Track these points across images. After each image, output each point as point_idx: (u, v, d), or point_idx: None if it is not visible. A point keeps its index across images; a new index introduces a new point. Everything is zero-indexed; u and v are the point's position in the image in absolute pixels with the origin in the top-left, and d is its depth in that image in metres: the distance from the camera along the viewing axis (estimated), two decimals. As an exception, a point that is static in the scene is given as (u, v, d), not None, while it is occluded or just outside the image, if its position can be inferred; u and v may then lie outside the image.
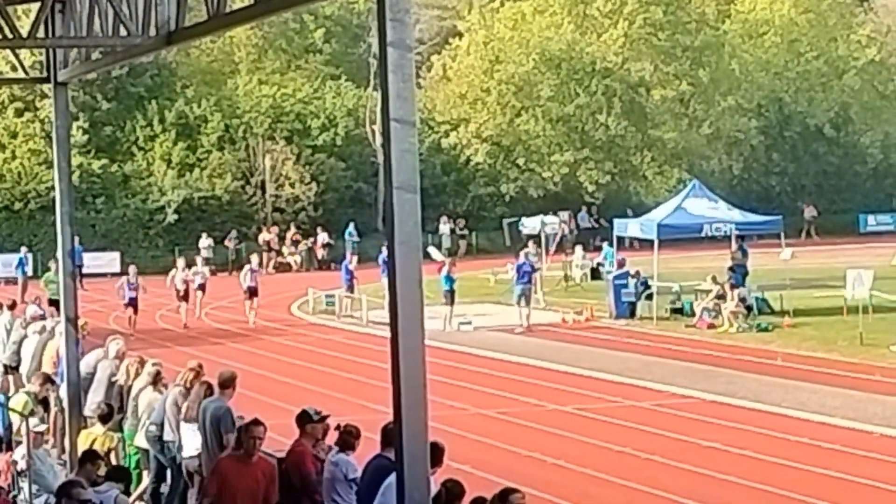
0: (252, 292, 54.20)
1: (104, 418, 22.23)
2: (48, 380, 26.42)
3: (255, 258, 58.99)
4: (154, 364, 24.25)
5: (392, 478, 13.19)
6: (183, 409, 21.63)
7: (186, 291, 54.39)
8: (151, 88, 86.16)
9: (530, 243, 58.81)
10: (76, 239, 70.15)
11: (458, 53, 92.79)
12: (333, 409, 21.58)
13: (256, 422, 17.84)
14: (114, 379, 25.34)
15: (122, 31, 19.23)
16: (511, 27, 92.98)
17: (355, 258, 60.21)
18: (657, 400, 35.14)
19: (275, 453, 19.96)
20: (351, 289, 55.57)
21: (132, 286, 51.16)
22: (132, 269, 54.00)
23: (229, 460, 17.02)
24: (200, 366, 23.14)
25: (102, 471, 18.56)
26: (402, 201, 11.81)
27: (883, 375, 36.91)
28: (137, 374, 24.42)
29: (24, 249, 68.61)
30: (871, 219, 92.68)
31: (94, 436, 21.79)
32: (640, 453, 28.80)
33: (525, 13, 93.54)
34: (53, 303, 39.49)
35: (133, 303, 51.12)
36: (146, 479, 23.34)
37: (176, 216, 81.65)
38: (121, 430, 23.62)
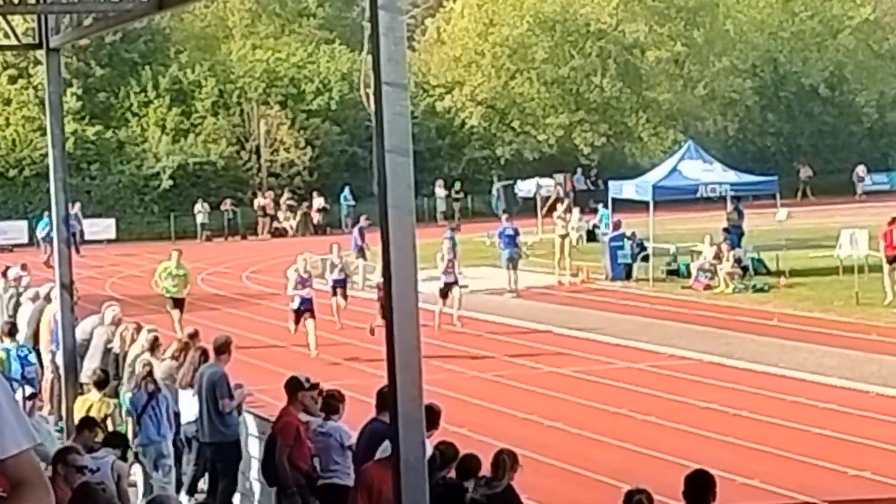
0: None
1: (100, 385, 22.17)
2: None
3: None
4: (150, 330, 24.22)
5: (388, 441, 13.19)
6: (178, 377, 21.65)
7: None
8: (145, 54, 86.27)
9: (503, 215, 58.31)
10: (78, 205, 71.48)
11: (453, 16, 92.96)
12: (330, 374, 21.59)
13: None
14: (109, 346, 25.32)
15: (114, -3, 19.19)
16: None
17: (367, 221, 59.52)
18: (654, 361, 35.13)
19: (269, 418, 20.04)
20: (362, 253, 54.93)
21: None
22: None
23: (377, 467, 14.10)
24: (196, 332, 23.14)
25: (99, 437, 18.52)
26: (394, 165, 11.78)
27: (879, 335, 36.92)
28: (133, 340, 24.38)
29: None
30: (868, 178, 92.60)
31: (90, 402, 21.72)
32: (636, 414, 28.79)
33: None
34: (178, 303, 38.27)
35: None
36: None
37: (171, 182, 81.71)
38: (117, 396, 23.60)
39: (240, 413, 20.86)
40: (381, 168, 11.83)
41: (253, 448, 20.84)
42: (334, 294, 43.36)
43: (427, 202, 79.74)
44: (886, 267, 42.52)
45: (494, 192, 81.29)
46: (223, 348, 21.01)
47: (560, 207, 60.00)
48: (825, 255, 50.43)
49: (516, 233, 51.05)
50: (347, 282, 44.64)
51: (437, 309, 39.57)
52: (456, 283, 41.81)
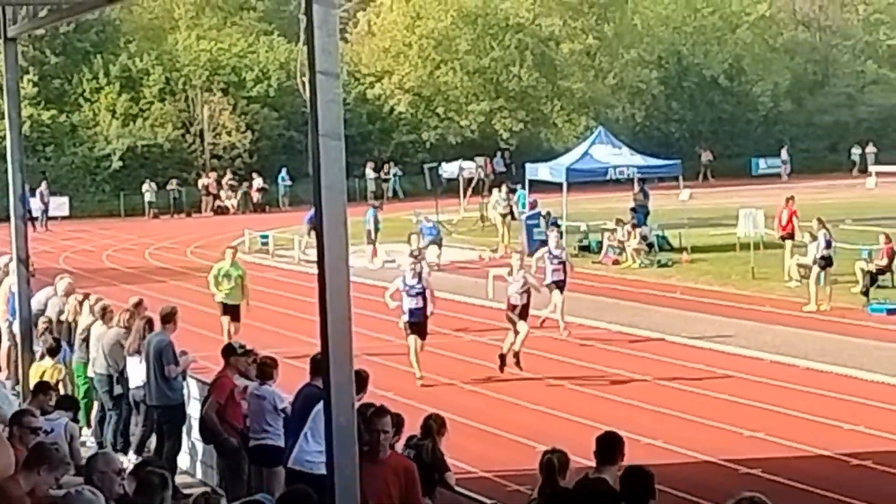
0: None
1: (52, 352, 22.08)
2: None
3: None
4: (98, 299, 24.15)
5: (321, 405, 13.16)
6: (126, 345, 21.60)
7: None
8: (97, 44, 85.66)
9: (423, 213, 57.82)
10: (44, 184, 71.47)
11: (382, 10, 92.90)
12: (267, 341, 21.55)
13: (380, 411, 13.64)
14: (62, 316, 25.24)
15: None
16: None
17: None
18: (573, 331, 35.22)
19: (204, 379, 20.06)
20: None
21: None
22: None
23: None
24: (140, 301, 23.09)
25: (54, 400, 18.46)
26: (327, 148, 11.76)
27: (772, 307, 37.16)
28: (81, 310, 24.31)
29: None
30: (761, 162, 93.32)
31: (43, 368, 21.64)
32: (550, 380, 28.92)
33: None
34: (228, 310, 31.57)
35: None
36: (96, 408, 23.32)
37: (121, 163, 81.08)
38: (70, 362, 23.51)
39: (184, 378, 20.84)
40: (315, 151, 11.79)
41: (195, 411, 20.80)
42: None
43: (358, 183, 79.77)
44: (789, 243, 42.91)
45: (426, 171, 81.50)
46: (168, 318, 20.99)
47: (504, 189, 60.18)
48: (724, 233, 50.78)
49: (437, 229, 51.35)
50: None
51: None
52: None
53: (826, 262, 36.96)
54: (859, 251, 40.91)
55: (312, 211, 51.42)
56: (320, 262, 12.00)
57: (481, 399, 27.12)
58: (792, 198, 45.16)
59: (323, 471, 12.83)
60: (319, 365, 13.34)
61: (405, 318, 28.79)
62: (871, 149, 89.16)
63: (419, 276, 29.10)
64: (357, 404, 12.77)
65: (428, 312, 28.90)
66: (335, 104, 11.88)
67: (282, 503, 11.02)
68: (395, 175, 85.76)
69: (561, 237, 35.47)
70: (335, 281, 11.95)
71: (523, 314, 29.57)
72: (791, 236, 43.01)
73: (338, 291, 11.96)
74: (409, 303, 28.60)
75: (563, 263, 32.69)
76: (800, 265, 39.67)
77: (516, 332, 29.34)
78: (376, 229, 50.68)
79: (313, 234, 51.28)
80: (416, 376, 28.46)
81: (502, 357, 29.19)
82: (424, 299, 28.67)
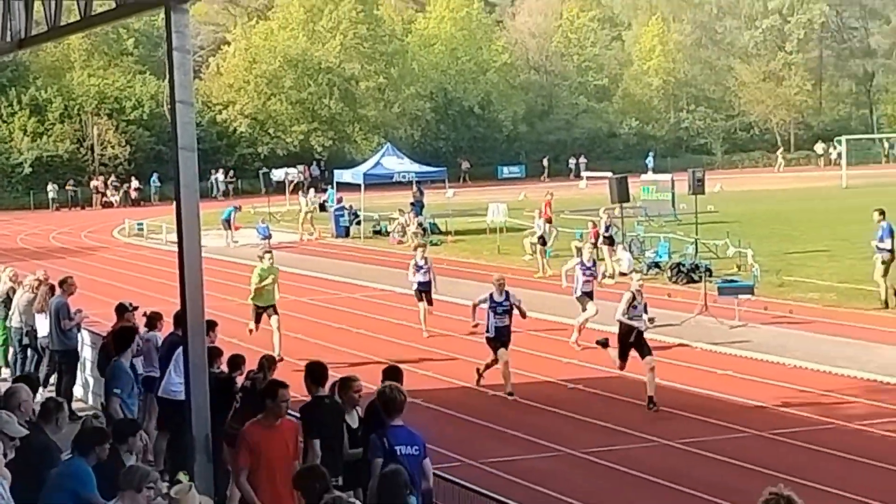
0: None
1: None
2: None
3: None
4: (14, 271, 23.71)
5: (181, 349, 13.04)
6: (34, 305, 21.25)
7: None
8: (11, 79, 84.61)
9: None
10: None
11: (227, 56, 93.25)
12: (144, 301, 21.19)
13: (284, 384, 11.87)
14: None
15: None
16: (263, 38, 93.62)
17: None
18: (365, 292, 35.25)
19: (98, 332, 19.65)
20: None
21: None
22: None
23: (256, 427, 11.41)
24: (45, 272, 22.65)
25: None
26: (185, 158, 11.72)
27: (513, 274, 37.40)
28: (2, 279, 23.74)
29: None
30: (504, 169, 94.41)
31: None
32: (352, 328, 28.89)
33: (273, 28, 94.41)
34: (261, 311, 24.91)
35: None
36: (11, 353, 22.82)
37: (31, 169, 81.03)
38: None
39: (79, 330, 20.49)
40: (175, 160, 11.68)
41: (87, 353, 20.61)
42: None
43: (209, 184, 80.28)
44: (548, 227, 43.33)
45: (261, 175, 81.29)
46: (65, 284, 20.67)
47: (312, 191, 60.31)
48: (478, 221, 51.15)
49: (269, 231, 51.15)
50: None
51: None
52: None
53: (543, 243, 37.71)
54: (574, 233, 41.54)
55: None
56: (180, 242, 11.96)
57: (301, 343, 26.95)
58: (550, 196, 45.61)
59: (182, 397, 12.71)
60: (180, 319, 13.24)
61: (415, 286, 27.49)
62: (582, 160, 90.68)
63: (425, 259, 27.84)
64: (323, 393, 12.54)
65: (432, 285, 27.61)
66: (190, 125, 11.88)
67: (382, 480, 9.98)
68: (237, 178, 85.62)
69: (594, 248, 28.79)
70: (191, 256, 11.90)
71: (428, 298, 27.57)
72: (549, 221, 43.56)
73: (193, 264, 11.91)
74: (419, 277, 27.37)
75: (594, 276, 26.02)
76: (532, 243, 40.14)
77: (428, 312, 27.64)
78: (233, 214, 51.63)
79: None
80: (423, 332, 27.04)
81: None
82: (431, 275, 27.66)
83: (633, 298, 19.83)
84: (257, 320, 24.84)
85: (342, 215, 53.49)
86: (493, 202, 49.55)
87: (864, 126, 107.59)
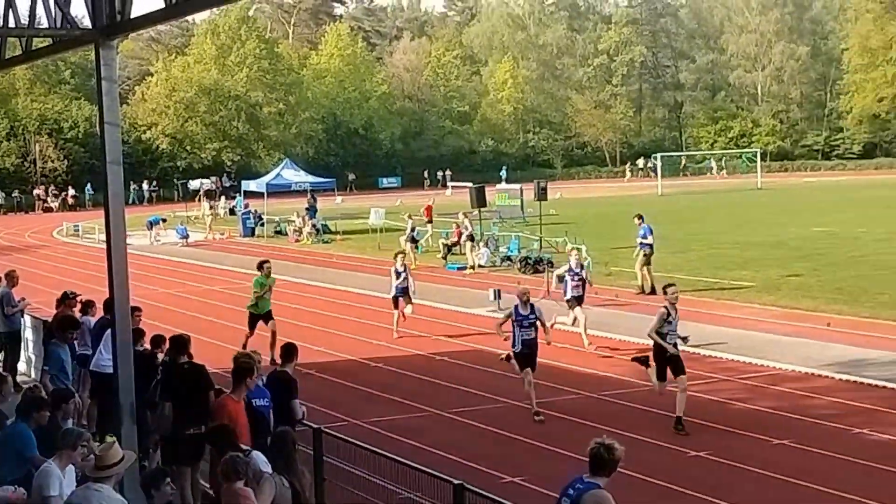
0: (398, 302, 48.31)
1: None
2: None
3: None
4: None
5: (110, 330, 12.81)
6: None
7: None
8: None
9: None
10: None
11: (150, 84, 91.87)
12: (79, 290, 20.74)
13: (253, 369, 11.40)
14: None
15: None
16: (181, 70, 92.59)
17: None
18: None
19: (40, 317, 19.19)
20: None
21: None
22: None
23: (230, 401, 11.01)
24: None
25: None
26: (112, 171, 11.55)
27: (390, 266, 37.38)
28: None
29: None
30: (384, 180, 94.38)
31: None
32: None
33: (189, 62, 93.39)
34: (254, 319, 21.80)
35: None
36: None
37: (-18, 180, 79.32)
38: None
39: (22, 315, 20.02)
40: (105, 172, 11.50)
41: (28, 334, 20.19)
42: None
43: (135, 193, 79.03)
44: (430, 226, 43.62)
45: (179, 185, 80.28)
46: (10, 277, 20.21)
47: (224, 198, 60.11)
48: (361, 223, 51.10)
49: (187, 232, 50.64)
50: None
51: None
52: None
53: (414, 241, 37.75)
54: (441, 233, 41.70)
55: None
56: (108, 241, 11.81)
57: (203, 322, 26.58)
58: (433, 202, 46.16)
59: (111, 371, 12.48)
60: (109, 305, 13.00)
61: (394, 292, 24.01)
62: (448, 172, 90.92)
63: (404, 265, 24.51)
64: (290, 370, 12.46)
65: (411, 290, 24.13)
66: (117, 143, 11.74)
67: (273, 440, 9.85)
68: (160, 187, 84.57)
69: (580, 253, 23.95)
70: (118, 253, 11.73)
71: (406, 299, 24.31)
72: (430, 221, 43.84)
73: (119, 259, 11.73)
74: (399, 283, 23.89)
75: (584, 281, 22.29)
76: (406, 241, 40.22)
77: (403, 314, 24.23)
78: (159, 222, 51.12)
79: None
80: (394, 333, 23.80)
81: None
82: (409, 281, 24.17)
83: (668, 314, 15.86)
84: (252, 326, 21.72)
85: (248, 218, 53.14)
86: (374, 207, 49.57)
87: (674, 145, 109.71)
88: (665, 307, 15.94)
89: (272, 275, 22.24)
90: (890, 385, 17.90)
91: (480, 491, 9.07)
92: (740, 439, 15.16)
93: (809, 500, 12.57)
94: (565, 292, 22.03)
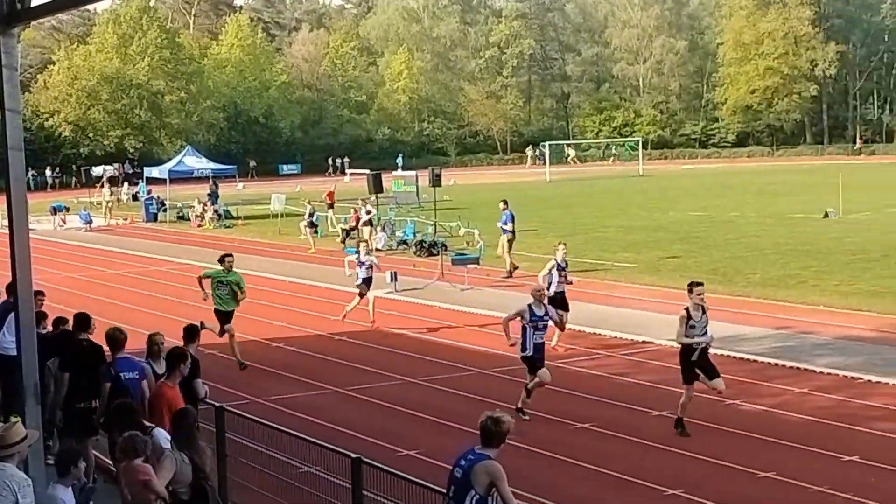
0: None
1: None
2: None
3: None
4: None
5: (13, 314, 12.52)
6: None
7: None
8: None
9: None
10: None
11: (53, 73, 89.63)
12: None
13: (187, 354, 11.31)
14: None
15: None
16: (83, 59, 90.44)
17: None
18: (172, 266, 34.41)
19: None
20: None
21: None
22: None
23: (167, 388, 10.74)
24: None
25: None
26: (14, 157, 11.26)
27: (291, 250, 37.32)
28: None
29: None
30: (284, 167, 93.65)
31: None
32: (161, 295, 28.20)
33: (91, 51, 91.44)
34: (220, 316, 18.89)
35: None
36: None
37: None
38: None
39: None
40: (6, 159, 11.25)
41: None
42: None
43: (38, 179, 77.04)
44: (331, 211, 43.48)
45: (81, 171, 78.54)
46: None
47: (126, 184, 59.17)
48: (262, 208, 50.74)
49: (90, 218, 49.61)
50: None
51: None
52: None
53: (313, 226, 37.61)
54: (340, 218, 41.58)
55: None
56: (10, 226, 11.54)
57: (112, 306, 26.13)
58: (334, 188, 46.00)
59: (15, 353, 12.21)
60: (10, 288, 12.71)
61: (359, 281, 22.17)
62: (346, 160, 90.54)
63: (368, 253, 22.74)
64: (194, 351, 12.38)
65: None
66: (19, 130, 11.45)
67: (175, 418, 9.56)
68: (63, 174, 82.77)
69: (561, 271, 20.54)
70: (20, 237, 11.45)
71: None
72: (332, 206, 43.60)
73: (21, 243, 11.46)
74: (363, 272, 22.13)
75: (565, 278, 20.34)
76: (305, 226, 40.02)
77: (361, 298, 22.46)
78: (63, 209, 50.18)
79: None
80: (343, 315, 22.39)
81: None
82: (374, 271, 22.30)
83: (689, 317, 13.88)
84: (222, 324, 19.06)
85: (151, 204, 52.42)
86: (275, 193, 49.25)
87: (562, 134, 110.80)
88: (686, 308, 13.97)
89: (234, 269, 18.99)
90: (761, 359, 18.39)
91: (377, 464, 9.11)
92: (623, 411, 15.44)
93: (686, 466, 12.87)
94: (548, 288, 19.68)
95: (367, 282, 22.26)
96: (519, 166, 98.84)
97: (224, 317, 18.95)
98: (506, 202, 30.51)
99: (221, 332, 18.94)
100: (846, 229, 36.72)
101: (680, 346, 14.08)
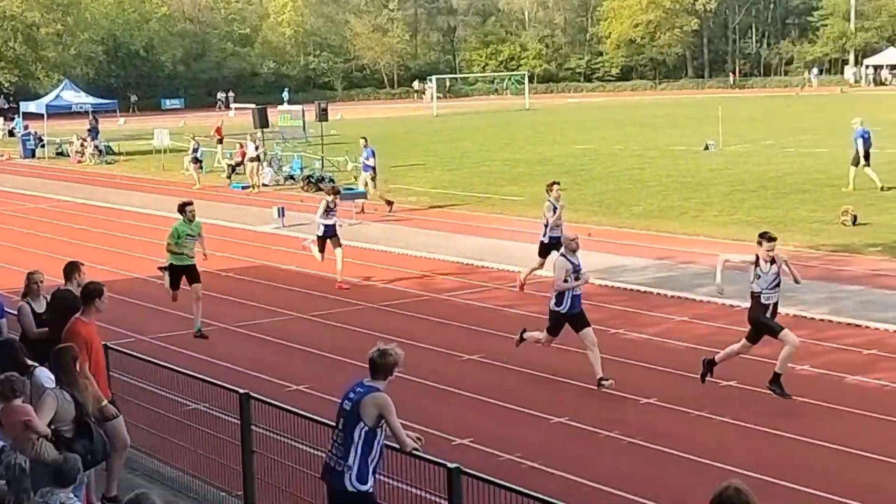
0: None
1: None
2: None
3: None
4: None
5: None
6: None
7: None
8: None
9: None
10: None
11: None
12: None
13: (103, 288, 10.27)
14: None
15: None
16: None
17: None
18: (52, 204, 33.55)
19: None
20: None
21: None
22: None
23: (82, 324, 9.94)
24: None
25: None
26: None
27: (174, 186, 36.65)
28: None
29: None
30: (167, 102, 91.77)
31: None
32: (41, 233, 27.42)
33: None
34: (177, 274, 16.67)
35: None
36: None
37: None
38: None
39: None
40: None
41: None
42: None
43: None
44: (220, 146, 42.78)
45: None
46: None
47: (1, 120, 57.42)
48: (145, 144, 49.73)
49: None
50: None
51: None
52: None
53: (198, 162, 36.90)
54: (226, 153, 40.96)
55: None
56: None
57: (33, 255, 25.36)
58: (221, 123, 45.09)
59: None
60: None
61: (321, 230, 19.70)
62: (231, 94, 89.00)
63: (335, 203, 19.77)
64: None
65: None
66: None
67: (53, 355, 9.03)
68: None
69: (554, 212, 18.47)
70: None
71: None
72: (221, 141, 42.85)
73: None
74: (326, 220, 19.51)
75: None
76: (190, 161, 39.33)
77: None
78: None
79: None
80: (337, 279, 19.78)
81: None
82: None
83: (757, 266, 12.38)
84: (175, 283, 16.96)
85: (29, 140, 51.05)
86: (157, 129, 48.27)
87: (449, 68, 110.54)
88: (756, 256, 12.43)
89: (196, 219, 16.72)
90: (643, 289, 18.76)
91: (266, 399, 9.05)
92: (510, 342, 15.62)
93: (569, 392, 13.10)
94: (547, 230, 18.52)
95: (329, 229, 19.71)
96: (406, 100, 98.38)
97: (190, 273, 16.50)
98: (365, 139, 30.54)
99: (176, 298, 16.87)
100: (725, 161, 37.51)
101: (752, 299, 12.45)
